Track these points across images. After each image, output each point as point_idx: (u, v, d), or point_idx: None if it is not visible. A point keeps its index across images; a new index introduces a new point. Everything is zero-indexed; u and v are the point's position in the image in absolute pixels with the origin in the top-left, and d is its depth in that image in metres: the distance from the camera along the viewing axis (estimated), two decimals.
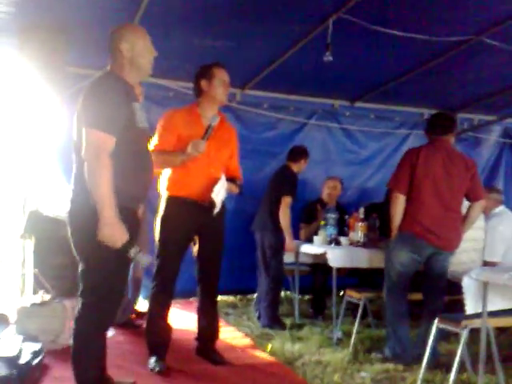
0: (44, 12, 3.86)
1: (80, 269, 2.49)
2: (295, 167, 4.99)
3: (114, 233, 2.32)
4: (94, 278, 2.46)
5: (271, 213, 4.76)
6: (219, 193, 3.33)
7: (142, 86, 3.76)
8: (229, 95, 5.53)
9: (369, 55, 4.77)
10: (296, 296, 5.10)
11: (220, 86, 3.41)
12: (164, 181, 3.44)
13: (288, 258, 4.96)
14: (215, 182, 3.34)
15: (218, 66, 3.47)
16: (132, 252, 2.39)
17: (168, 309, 3.43)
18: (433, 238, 3.63)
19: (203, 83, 3.42)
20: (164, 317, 3.41)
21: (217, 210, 3.37)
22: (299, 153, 5.05)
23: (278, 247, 4.76)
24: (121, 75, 2.51)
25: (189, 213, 3.33)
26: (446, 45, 4.42)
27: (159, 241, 3.40)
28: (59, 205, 4.52)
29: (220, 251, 3.53)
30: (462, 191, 3.71)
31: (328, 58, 4.01)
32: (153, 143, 3.22)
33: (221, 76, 3.43)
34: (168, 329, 3.43)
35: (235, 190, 3.59)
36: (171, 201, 3.38)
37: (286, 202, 4.70)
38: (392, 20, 4.00)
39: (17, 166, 4.92)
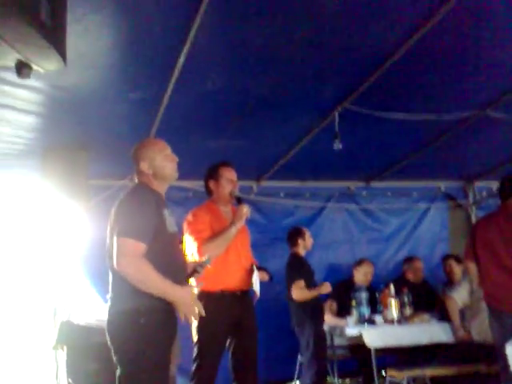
0: (65, 133, 4.12)
1: (118, 375, 2.48)
2: (299, 249, 5.01)
3: (190, 305, 2.51)
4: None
5: (297, 306, 4.72)
6: (256, 282, 3.42)
7: None
8: (246, 188, 5.87)
9: (378, 137, 4.92)
10: (336, 381, 4.94)
11: (228, 184, 3.53)
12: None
13: None
14: (248, 272, 3.42)
15: (225, 166, 3.59)
16: None
17: None
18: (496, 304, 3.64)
19: (211, 184, 3.56)
20: None
21: (257, 298, 3.42)
22: (293, 235, 5.11)
23: (316, 339, 4.64)
24: (148, 186, 2.67)
25: (227, 306, 3.35)
26: (452, 121, 4.55)
27: (199, 338, 3.35)
28: (89, 313, 4.57)
29: (256, 342, 3.49)
30: None
31: (337, 146, 4.15)
32: (198, 236, 3.30)
33: (228, 175, 3.55)
34: None
35: (266, 277, 3.66)
36: (207, 296, 3.32)
37: (298, 286, 4.66)
38: (395, 105, 4.17)
39: (46, 278, 5.04)
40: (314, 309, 4.72)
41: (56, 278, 4.90)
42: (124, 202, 2.59)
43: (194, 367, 3.34)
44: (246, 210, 3.38)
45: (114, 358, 2.49)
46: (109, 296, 2.57)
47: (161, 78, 3.46)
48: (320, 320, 4.76)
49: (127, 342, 2.42)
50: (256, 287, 3.41)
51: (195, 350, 3.36)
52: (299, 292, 4.67)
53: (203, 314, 2.64)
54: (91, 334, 4.17)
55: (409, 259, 5.62)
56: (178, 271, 2.66)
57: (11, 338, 5.38)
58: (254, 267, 3.46)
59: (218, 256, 3.27)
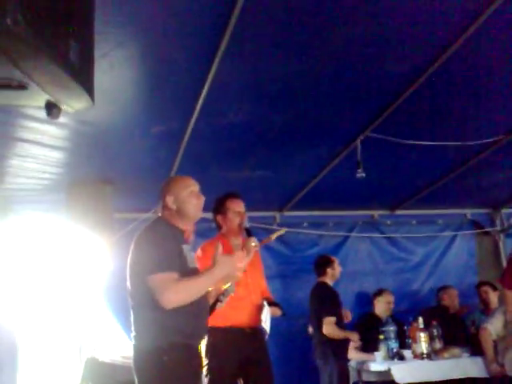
0: (90, 168, 4.16)
1: None
2: (327, 279, 4.90)
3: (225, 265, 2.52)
4: None
5: (321, 340, 4.61)
6: (266, 319, 3.33)
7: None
8: (269, 218, 5.84)
9: (402, 165, 4.89)
10: None
11: (236, 217, 3.47)
12: None
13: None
14: (258, 308, 3.34)
15: (231, 198, 3.53)
16: None
17: None
18: None
19: (219, 218, 3.52)
20: None
21: (267, 336, 3.31)
22: (321, 264, 5.00)
23: (340, 375, 4.52)
24: (170, 221, 2.66)
25: (236, 343, 3.27)
26: (477, 147, 4.49)
27: (210, 378, 3.24)
28: (115, 350, 4.53)
29: (272, 378, 3.39)
30: None
31: (360, 174, 4.11)
32: None
33: (234, 207, 3.49)
34: None
35: (279, 312, 3.59)
36: (215, 332, 3.25)
37: (329, 322, 4.55)
38: (419, 132, 4.13)
39: (71, 314, 5.02)
40: (339, 344, 4.60)
41: (81, 313, 4.89)
42: (143, 236, 2.57)
43: None
44: (253, 243, 3.29)
45: None
46: (132, 334, 2.55)
47: (184, 111, 3.48)
48: (344, 355, 4.64)
49: (151, 380, 2.42)
50: (266, 324, 3.32)
51: None
52: (330, 329, 4.55)
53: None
54: (116, 372, 4.13)
55: (444, 287, 5.48)
56: (201, 307, 2.62)
57: (38, 376, 5.34)
58: (265, 303, 3.38)
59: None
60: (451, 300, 5.37)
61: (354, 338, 4.64)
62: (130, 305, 2.56)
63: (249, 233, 3.42)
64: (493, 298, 5.34)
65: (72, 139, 3.70)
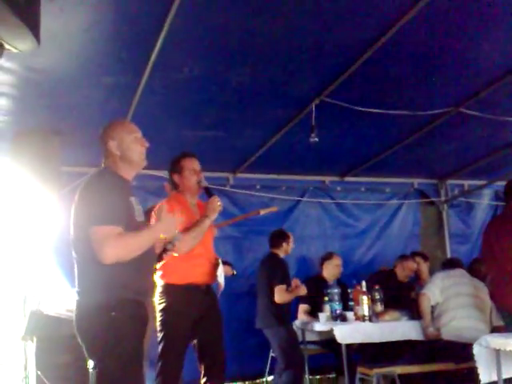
0: (37, 117, 4.02)
1: (91, 370, 2.41)
2: (280, 252, 5.01)
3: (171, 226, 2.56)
4: (108, 379, 2.36)
5: (269, 308, 4.72)
6: (221, 275, 3.40)
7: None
8: (222, 179, 5.84)
9: (354, 132, 4.95)
10: (307, 377, 4.95)
11: (192, 175, 3.46)
12: (161, 269, 3.35)
13: None
14: (213, 266, 3.39)
15: (186, 157, 3.51)
16: None
17: None
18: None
19: (176, 177, 3.50)
20: None
21: (221, 290, 3.40)
22: (277, 236, 5.09)
23: (290, 341, 4.66)
24: (115, 171, 2.54)
25: (193, 300, 3.30)
26: (427, 117, 4.61)
27: (164, 334, 3.26)
28: (60, 303, 4.48)
29: (222, 335, 3.44)
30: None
31: (314, 139, 4.15)
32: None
33: (190, 166, 3.47)
34: None
35: (230, 272, 3.68)
36: (172, 289, 3.30)
37: (281, 289, 4.68)
38: (372, 99, 4.19)
39: (15, 266, 4.92)
40: (284, 310, 4.74)
41: (26, 266, 4.79)
42: (90, 186, 2.45)
43: (159, 364, 3.25)
44: (218, 202, 3.34)
45: (86, 354, 2.42)
46: (76, 290, 2.45)
47: (137, 63, 3.40)
48: (288, 320, 4.79)
49: (98, 336, 2.35)
50: (221, 279, 3.39)
51: (160, 347, 3.27)
52: (281, 296, 4.67)
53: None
54: (61, 326, 4.10)
55: (403, 256, 5.59)
56: (147, 259, 2.54)
57: None
58: (220, 261, 3.44)
59: (190, 249, 3.24)
60: (402, 270, 5.47)
61: (302, 292, 4.77)
62: (73, 259, 2.47)
63: (209, 192, 3.43)
64: (424, 268, 5.54)
65: (18, 86, 3.55)
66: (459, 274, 4.49)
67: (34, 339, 4.22)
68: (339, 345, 4.29)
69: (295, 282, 4.89)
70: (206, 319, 3.36)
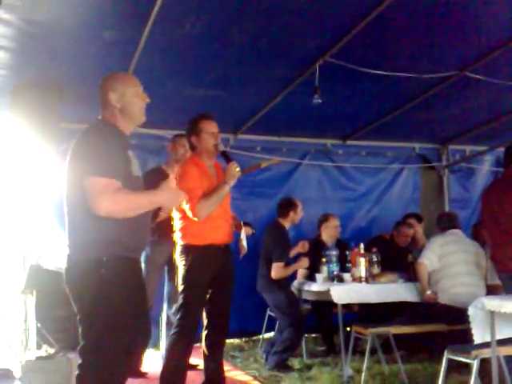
0: (36, 71, 3.97)
1: (81, 325, 2.36)
2: (286, 222, 5.01)
3: (172, 197, 2.52)
4: (96, 334, 2.32)
5: (267, 276, 4.77)
6: (244, 238, 3.56)
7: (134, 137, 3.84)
8: (222, 140, 5.76)
9: (357, 94, 4.90)
10: None
11: (210, 137, 3.45)
12: (182, 231, 3.43)
13: None
14: (231, 227, 3.52)
15: (204, 119, 3.49)
16: None
17: (188, 356, 3.42)
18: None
19: (193, 139, 3.48)
20: (183, 364, 3.39)
21: (244, 252, 3.56)
22: (285, 206, 5.07)
23: (289, 303, 4.72)
24: (113, 124, 2.46)
25: (212, 259, 3.38)
26: (431, 81, 4.55)
27: (184, 289, 3.37)
28: (59, 257, 4.52)
29: (232, 293, 3.56)
30: None
31: (317, 100, 4.12)
32: (192, 195, 3.22)
33: (208, 128, 3.46)
34: (184, 377, 3.39)
35: (251, 231, 3.79)
36: (192, 250, 3.36)
37: (278, 267, 4.72)
38: (376, 61, 4.14)
39: (15, 221, 4.95)
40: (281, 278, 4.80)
41: (26, 221, 4.82)
42: (86, 137, 2.37)
43: (179, 315, 3.38)
44: (237, 168, 3.36)
45: (75, 308, 2.38)
46: (66, 244, 2.40)
47: (137, 18, 3.34)
48: (287, 284, 4.87)
49: (86, 292, 2.30)
50: (244, 242, 3.51)
51: (180, 300, 3.39)
52: (278, 272, 4.72)
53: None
54: (60, 279, 4.08)
55: (398, 223, 5.59)
56: (143, 220, 2.46)
57: None
58: (242, 223, 3.54)
59: (209, 214, 3.30)
60: (398, 236, 5.50)
61: (304, 265, 4.85)
62: (65, 213, 2.40)
63: (227, 157, 3.44)
64: (419, 229, 5.57)
65: (17, 39, 3.49)
66: (457, 239, 4.49)
67: (34, 293, 4.29)
68: (330, 306, 4.34)
69: (303, 243, 4.93)
70: (221, 275, 3.45)
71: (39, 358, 3.69)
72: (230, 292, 3.54)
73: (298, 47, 3.96)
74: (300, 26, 3.67)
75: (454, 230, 4.55)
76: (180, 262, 3.41)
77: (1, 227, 5.23)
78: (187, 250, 3.38)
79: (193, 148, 3.54)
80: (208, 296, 3.46)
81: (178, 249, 3.44)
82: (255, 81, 4.48)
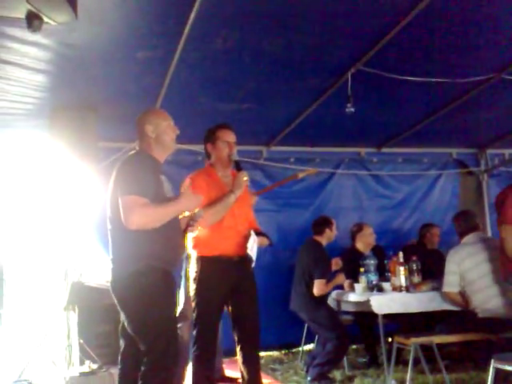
0: (74, 93, 4.08)
1: (140, 338, 2.59)
2: (322, 239, 4.96)
3: (191, 200, 2.76)
4: (154, 340, 2.56)
5: (306, 294, 4.72)
6: (253, 248, 3.39)
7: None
8: (255, 152, 5.84)
9: (391, 101, 4.86)
10: None
11: (225, 147, 3.42)
12: (193, 241, 3.40)
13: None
14: (245, 237, 3.38)
15: (222, 128, 3.47)
16: None
17: (212, 370, 3.39)
18: None
19: (209, 147, 3.48)
20: (209, 378, 3.35)
21: (253, 264, 3.40)
22: (320, 224, 5.02)
23: (329, 319, 4.65)
24: (149, 153, 2.79)
25: (224, 271, 3.32)
26: (467, 85, 4.47)
27: (197, 303, 3.34)
28: (100, 274, 4.61)
29: (257, 306, 3.46)
30: None
31: (350, 109, 4.09)
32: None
33: (224, 137, 3.43)
34: None
35: (266, 242, 3.66)
36: (204, 261, 3.34)
37: (321, 283, 4.66)
38: (410, 67, 4.09)
39: (57, 239, 5.07)
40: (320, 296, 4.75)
41: (67, 239, 4.93)
42: (124, 165, 2.70)
43: (195, 332, 3.35)
44: (245, 177, 3.32)
45: (122, 316, 2.64)
46: (110, 258, 2.69)
47: (171, 36, 3.40)
48: (326, 298, 4.83)
49: (131, 301, 2.59)
50: (252, 252, 3.37)
51: (194, 315, 3.36)
52: (321, 289, 4.67)
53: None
54: (102, 296, 4.21)
55: (427, 225, 5.57)
56: (174, 232, 2.78)
57: (23, 299, 5.44)
58: (251, 232, 3.42)
59: (214, 222, 3.27)
60: (431, 237, 5.46)
61: (342, 280, 4.81)
62: (108, 230, 2.70)
63: (238, 166, 3.42)
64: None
65: (55, 62, 3.60)
66: (472, 251, 4.25)
67: (76, 309, 4.37)
68: (373, 316, 4.29)
69: (336, 261, 4.89)
70: (239, 290, 3.38)
71: (82, 374, 3.76)
72: (253, 307, 3.42)
73: (329, 57, 3.97)
74: (331, 36, 3.67)
75: (469, 237, 4.39)
76: (192, 275, 3.39)
77: (43, 245, 5.36)
78: (198, 261, 3.35)
79: (208, 156, 3.55)
80: (230, 314, 3.40)
81: (191, 261, 3.42)
82: (287, 93, 4.50)
